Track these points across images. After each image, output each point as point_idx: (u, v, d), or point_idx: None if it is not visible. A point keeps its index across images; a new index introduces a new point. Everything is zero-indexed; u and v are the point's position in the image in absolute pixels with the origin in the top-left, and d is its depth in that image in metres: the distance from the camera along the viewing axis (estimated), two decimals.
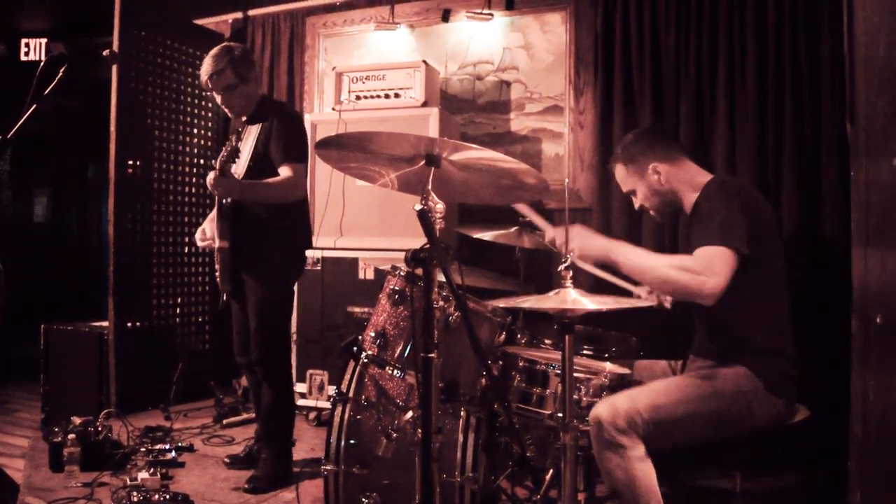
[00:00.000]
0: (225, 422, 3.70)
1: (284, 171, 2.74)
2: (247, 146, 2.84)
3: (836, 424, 1.97)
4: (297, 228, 2.95)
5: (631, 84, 3.61)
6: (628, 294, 2.38)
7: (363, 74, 3.86)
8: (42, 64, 2.12)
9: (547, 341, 2.58)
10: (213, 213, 2.86)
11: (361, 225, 3.73)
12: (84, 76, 5.24)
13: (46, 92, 2.10)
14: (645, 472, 1.84)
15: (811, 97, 3.23)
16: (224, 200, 2.78)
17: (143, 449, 3.04)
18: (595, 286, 2.57)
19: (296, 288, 3.71)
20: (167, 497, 2.52)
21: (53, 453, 2.90)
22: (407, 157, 1.75)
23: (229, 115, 2.97)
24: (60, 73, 2.14)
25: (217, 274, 2.84)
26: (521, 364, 2.17)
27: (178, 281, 4.36)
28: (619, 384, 2.03)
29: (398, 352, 2.07)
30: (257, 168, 2.79)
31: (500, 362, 2.24)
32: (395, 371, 2.05)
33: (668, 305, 2.37)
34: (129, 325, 3.97)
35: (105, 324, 3.87)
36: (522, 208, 2.36)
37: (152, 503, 2.48)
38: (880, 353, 1.35)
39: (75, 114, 6.08)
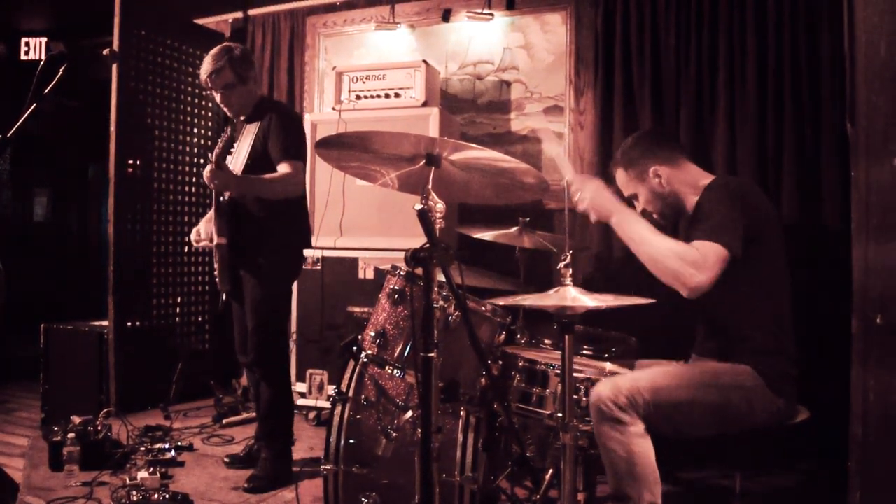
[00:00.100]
0: (224, 421, 3.70)
1: (283, 168, 2.74)
2: (245, 145, 2.84)
3: (836, 424, 1.97)
4: (296, 227, 2.95)
5: (631, 84, 3.61)
6: None
7: (363, 74, 3.86)
8: (42, 63, 2.11)
9: (547, 341, 2.58)
10: (210, 213, 2.86)
11: (361, 225, 3.73)
12: (84, 76, 5.23)
13: (46, 91, 2.09)
14: (644, 447, 1.84)
15: (811, 97, 3.23)
16: (221, 198, 2.79)
17: (142, 448, 3.03)
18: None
19: (295, 288, 3.73)
20: (167, 496, 2.51)
21: (53, 452, 2.90)
22: (407, 157, 1.76)
23: (228, 114, 2.98)
24: (60, 73, 2.13)
25: (216, 272, 2.84)
26: (520, 364, 2.17)
27: (178, 281, 4.36)
28: None
29: (398, 351, 2.07)
30: (255, 166, 2.79)
31: (500, 362, 2.25)
32: (395, 371, 2.05)
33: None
34: (129, 324, 3.97)
35: (105, 323, 3.87)
36: (542, 133, 2.27)
37: (152, 502, 2.48)
38: (880, 353, 1.35)
39: (75, 114, 6.08)
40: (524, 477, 2.52)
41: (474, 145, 1.70)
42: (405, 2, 4.24)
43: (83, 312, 4.25)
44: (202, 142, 4.51)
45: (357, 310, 3.61)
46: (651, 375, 1.94)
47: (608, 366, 2.17)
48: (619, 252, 3.57)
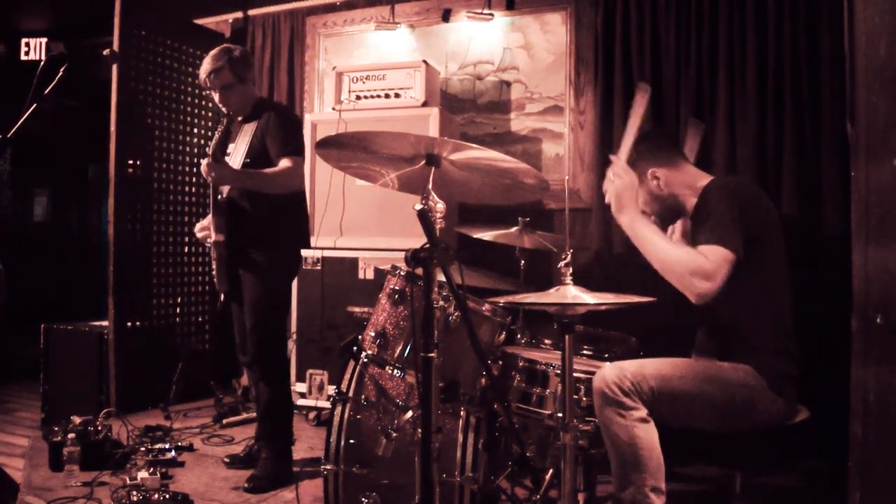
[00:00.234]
0: (224, 421, 3.69)
1: (284, 163, 2.75)
2: (242, 144, 2.85)
3: (836, 424, 1.97)
4: (295, 227, 2.95)
5: (631, 84, 3.61)
6: None
7: (363, 74, 3.86)
8: (42, 63, 2.12)
9: (547, 341, 2.58)
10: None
11: (361, 225, 3.73)
12: (84, 76, 5.23)
13: (46, 91, 2.09)
14: (647, 433, 1.85)
15: (811, 97, 3.23)
16: (219, 196, 2.79)
17: (142, 448, 3.03)
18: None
19: (295, 288, 3.73)
20: (167, 496, 2.51)
21: (53, 453, 2.90)
22: (407, 157, 1.76)
23: (222, 122, 2.99)
24: (60, 73, 2.14)
25: (214, 271, 2.85)
26: (520, 364, 2.17)
27: (178, 281, 4.36)
28: None
29: (398, 351, 2.07)
30: (254, 165, 2.80)
31: (500, 362, 2.25)
32: (395, 371, 2.05)
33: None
34: (129, 324, 3.97)
35: (105, 324, 3.87)
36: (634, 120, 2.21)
37: (152, 502, 2.48)
38: (880, 354, 1.34)
39: (75, 114, 6.08)
40: (524, 477, 2.51)
41: (474, 145, 1.70)
42: (405, 2, 4.24)
43: (83, 312, 4.25)
44: (202, 142, 4.51)
45: (357, 310, 3.61)
46: (657, 364, 1.95)
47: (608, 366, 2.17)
48: (620, 250, 3.57)
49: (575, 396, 2.00)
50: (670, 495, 1.89)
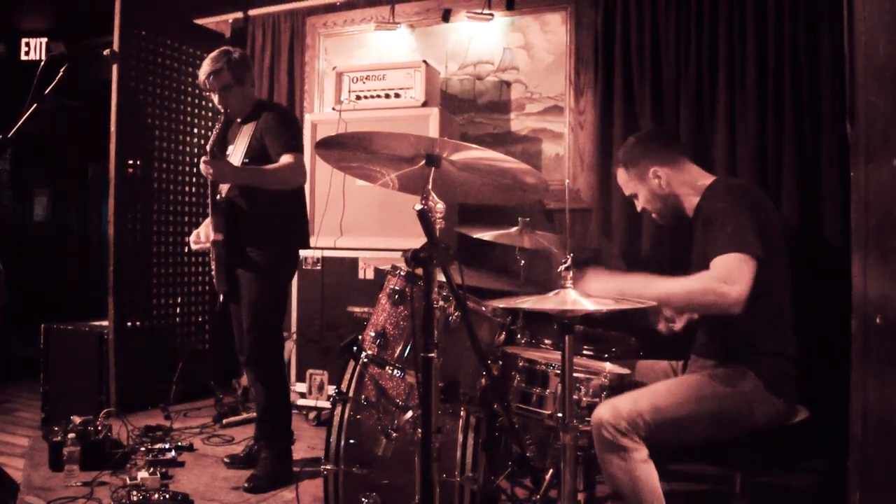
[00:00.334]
0: (225, 421, 3.70)
1: (285, 159, 2.76)
2: (241, 144, 2.86)
3: (836, 424, 1.97)
4: (295, 227, 2.96)
5: (631, 84, 3.61)
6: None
7: (363, 74, 3.86)
8: (42, 64, 2.12)
9: (547, 341, 2.58)
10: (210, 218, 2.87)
11: (361, 225, 3.73)
12: (84, 76, 5.24)
13: (47, 92, 2.10)
14: (648, 473, 1.85)
15: (811, 97, 3.23)
16: (218, 196, 2.80)
17: (142, 448, 3.03)
18: None
19: (295, 288, 3.73)
20: (167, 496, 2.52)
21: (53, 452, 2.90)
22: (407, 157, 1.76)
23: (220, 119, 3.00)
24: (61, 73, 2.14)
25: (213, 271, 2.85)
26: (520, 364, 2.16)
27: (178, 281, 4.36)
28: (619, 384, 2.03)
29: (398, 351, 2.07)
30: (253, 165, 2.80)
31: (500, 362, 2.24)
32: (395, 371, 2.05)
33: (677, 328, 2.36)
34: (129, 324, 3.97)
35: (105, 324, 3.87)
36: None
37: (152, 502, 2.48)
38: (880, 354, 1.34)
39: (75, 114, 6.08)
40: (524, 477, 2.51)
41: (474, 146, 1.70)
42: (405, 2, 4.24)
43: (83, 312, 4.25)
44: (202, 142, 4.51)
45: (357, 310, 3.61)
46: (650, 396, 1.93)
47: (608, 366, 2.17)
48: (620, 250, 3.57)
49: (575, 396, 1.99)
50: (670, 495, 1.89)
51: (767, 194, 2.34)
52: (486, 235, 2.90)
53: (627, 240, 3.57)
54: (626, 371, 2.14)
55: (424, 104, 3.68)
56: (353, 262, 3.70)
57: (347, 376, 2.18)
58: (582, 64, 3.85)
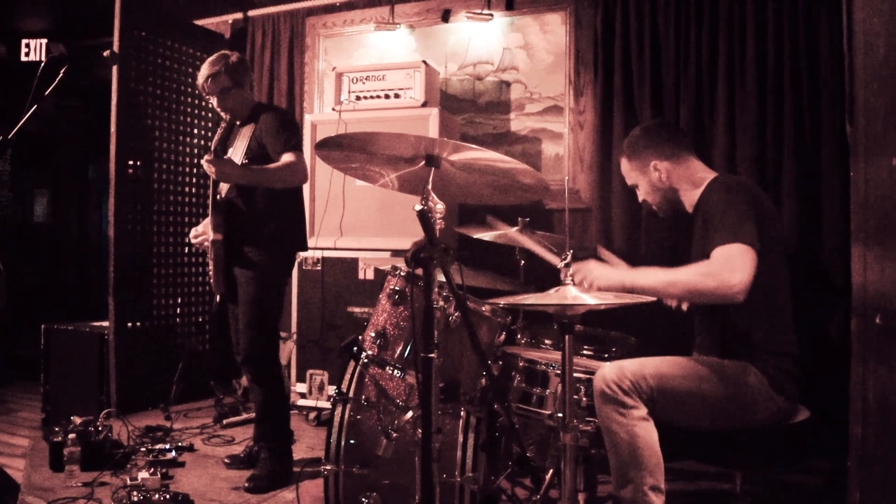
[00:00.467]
0: (225, 422, 3.70)
1: (286, 158, 2.77)
2: (241, 145, 2.86)
3: (836, 424, 1.98)
4: (291, 228, 2.96)
5: (631, 84, 3.62)
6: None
7: (363, 75, 3.86)
8: (42, 65, 2.12)
9: (547, 341, 2.58)
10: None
11: (361, 225, 3.73)
12: (84, 76, 5.24)
13: (47, 92, 2.10)
14: (647, 430, 1.85)
15: (811, 97, 3.23)
16: (218, 196, 2.80)
17: (143, 449, 3.04)
18: None
19: (295, 288, 3.74)
20: (167, 497, 2.52)
21: (54, 453, 2.90)
22: (407, 158, 1.76)
23: (225, 118, 3.00)
24: (61, 74, 2.14)
25: (210, 271, 2.86)
26: (521, 364, 2.17)
27: (178, 281, 4.36)
28: None
29: (398, 352, 2.07)
30: (253, 165, 2.81)
31: (500, 362, 2.25)
32: (395, 371, 2.05)
33: (685, 307, 2.36)
34: (129, 325, 3.97)
35: (105, 324, 3.87)
36: (531, 245, 2.34)
37: (152, 503, 2.48)
38: (880, 353, 1.35)
39: (75, 114, 6.08)
40: (524, 477, 2.52)
41: (474, 146, 1.70)
42: (405, 2, 4.24)
43: (83, 313, 4.25)
44: (202, 142, 4.51)
45: (357, 310, 3.61)
46: (657, 363, 1.95)
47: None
48: (620, 250, 3.57)
49: (575, 396, 2.00)
50: (670, 494, 1.89)
51: (767, 194, 2.34)
52: (486, 235, 2.90)
53: (628, 239, 3.57)
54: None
55: (424, 104, 3.68)
56: (354, 263, 3.70)
57: (348, 376, 2.18)
58: (581, 64, 3.85)
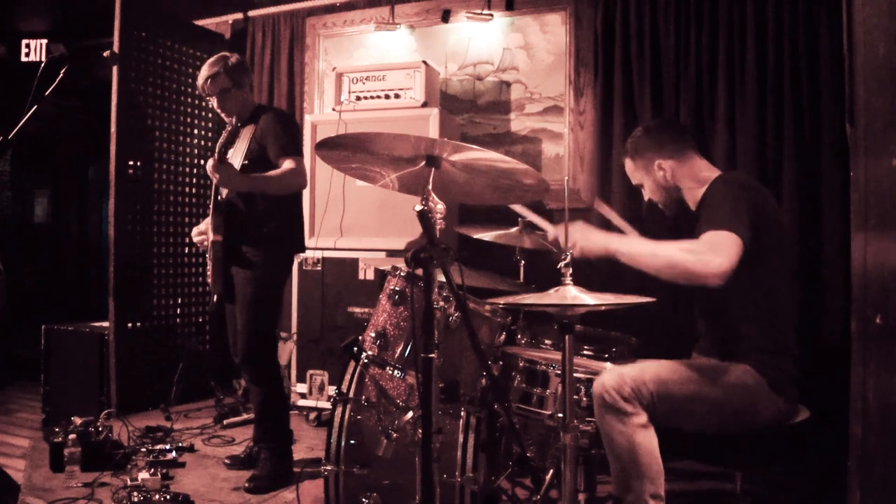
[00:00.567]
0: (225, 422, 3.70)
1: (287, 164, 2.77)
2: (241, 147, 2.86)
3: (836, 424, 1.97)
4: (289, 229, 2.96)
5: (631, 84, 3.62)
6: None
7: (363, 75, 3.86)
8: (43, 65, 2.12)
9: (547, 342, 2.58)
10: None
11: (361, 225, 3.73)
12: (84, 76, 5.24)
13: (47, 92, 2.10)
14: (648, 438, 1.85)
15: (811, 97, 3.24)
16: (219, 196, 2.81)
17: (143, 449, 3.04)
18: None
19: (295, 288, 3.74)
20: (167, 497, 2.52)
21: (54, 453, 2.90)
22: (407, 158, 1.76)
23: (225, 119, 3.00)
24: (61, 74, 2.14)
25: (209, 271, 2.86)
26: (521, 364, 2.17)
27: (178, 281, 4.36)
28: None
29: (398, 352, 2.07)
30: (252, 167, 2.81)
31: (500, 362, 2.25)
32: (396, 371, 2.05)
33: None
34: (130, 325, 3.97)
35: (105, 324, 3.87)
36: (521, 210, 2.36)
37: (153, 503, 2.48)
38: (880, 353, 1.35)
39: (75, 114, 6.08)
40: (524, 477, 2.52)
41: (474, 146, 1.70)
42: (405, 2, 4.24)
43: (83, 313, 4.25)
44: (202, 142, 4.51)
45: (357, 310, 3.61)
46: (656, 368, 1.95)
47: (608, 366, 2.17)
48: None
49: (575, 397, 2.00)
50: (670, 494, 1.89)
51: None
52: (486, 235, 2.90)
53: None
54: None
55: (424, 105, 3.68)
56: (354, 263, 3.70)
57: (348, 377, 2.18)
58: (582, 64, 3.85)
